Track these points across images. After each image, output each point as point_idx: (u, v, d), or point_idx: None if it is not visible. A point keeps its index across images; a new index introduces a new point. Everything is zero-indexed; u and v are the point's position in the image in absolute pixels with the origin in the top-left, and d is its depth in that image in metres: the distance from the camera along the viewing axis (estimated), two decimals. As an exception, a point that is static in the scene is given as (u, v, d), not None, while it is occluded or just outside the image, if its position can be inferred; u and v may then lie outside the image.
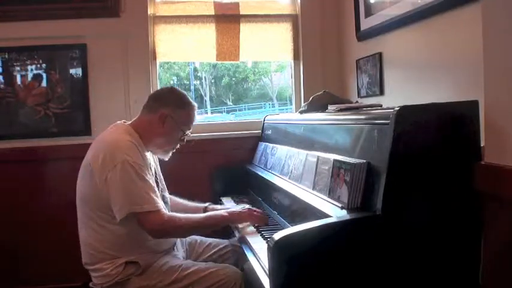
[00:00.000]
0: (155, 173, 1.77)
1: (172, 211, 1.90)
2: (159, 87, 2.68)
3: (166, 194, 1.85)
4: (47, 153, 2.43)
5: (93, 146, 1.63)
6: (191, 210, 1.95)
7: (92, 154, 1.58)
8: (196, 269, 1.59)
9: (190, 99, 1.76)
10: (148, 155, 1.72)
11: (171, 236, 1.69)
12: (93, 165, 1.54)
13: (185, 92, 1.77)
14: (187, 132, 1.76)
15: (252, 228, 1.68)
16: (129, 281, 1.56)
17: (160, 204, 1.55)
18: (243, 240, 1.61)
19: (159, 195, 1.59)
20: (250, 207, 1.80)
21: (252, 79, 4.21)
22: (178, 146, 1.78)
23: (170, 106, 1.69)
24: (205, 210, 1.94)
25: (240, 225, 1.72)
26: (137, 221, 1.52)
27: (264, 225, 1.68)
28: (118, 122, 1.73)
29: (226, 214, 1.70)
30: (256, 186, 2.21)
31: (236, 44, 2.68)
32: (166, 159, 1.79)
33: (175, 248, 1.77)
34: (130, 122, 1.73)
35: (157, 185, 1.75)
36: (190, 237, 1.89)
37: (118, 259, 1.55)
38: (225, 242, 1.90)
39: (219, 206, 2.00)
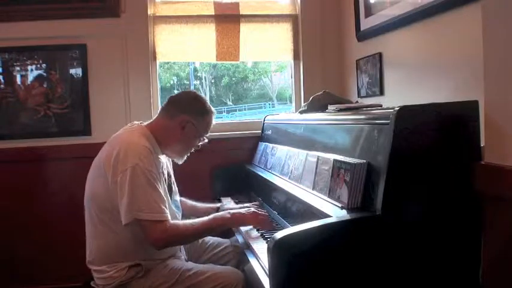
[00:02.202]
0: (168, 176, 1.76)
1: (188, 216, 1.89)
2: (159, 87, 2.69)
3: (177, 198, 1.83)
4: (47, 153, 2.43)
5: (108, 145, 1.59)
6: (202, 212, 1.92)
7: (106, 154, 1.55)
8: (197, 271, 1.58)
9: (210, 106, 1.74)
10: (162, 157, 1.70)
11: (174, 245, 1.65)
12: (106, 166, 1.52)
13: (205, 98, 1.75)
14: (205, 138, 1.74)
15: (256, 233, 1.65)
16: (131, 283, 1.55)
17: (168, 214, 1.52)
18: (244, 241, 1.61)
19: (167, 205, 1.55)
20: (256, 209, 1.73)
21: (252, 79, 4.21)
22: (193, 150, 1.76)
23: (192, 113, 1.67)
24: (218, 211, 1.92)
25: (243, 229, 1.70)
26: (141, 229, 1.49)
27: (269, 231, 1.63)
28: (134, 122, 1.70)
29: (229, 216, 1.64)
30: (256, 186, 2.21)
31: (236, 44, 2.68)
32: (181, 162, 1.78)
33: (179, 248, 1.76)
34: (147, 124, 1.69)
35: (171, 189, 1.75)
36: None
37: (121, 263, 1.54)
38: (226, 242, 1.89)
39: (231, 205, 1.99)
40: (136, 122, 1.70)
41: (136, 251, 1.56)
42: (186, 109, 1.67)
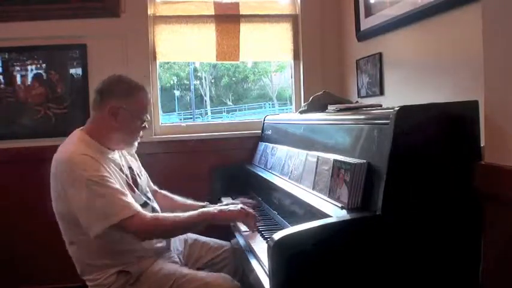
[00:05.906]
0: (130, 170, 1.70)
1: (168, 210, 1.85)
2: (159, 87, 2.69)
3: (150, 195, 1.78)
4: (47, 153, 2.41)
5: (53, 160, 1.53)
6: (189, 209, 1.91)
7: (52, 171, 1.51)
8: (191, 278, 1.55)
9: (137, 83, 1.62)
10: (115, 155, 1.64)
11: (158, 237, 1.61)
12: (56, 182, 1.49)
13: (129, 77, 1.63)
14: (146, 117, 1.63)
15: (256, 233, 1.64)
16: None
17: (136, 205, 1.48)
18: (244, 241, 1.61)
19: (130, 196, 1.50)
20: (243, 206, 1.71)
21: (252, 79, 4.22)
22: (141, 134, 1.66)
23: (118, 97, 1.55)
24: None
25: (243, 228, 1.69)
26: (120, 231, 1.46)
27: (256, 228, 1.63)
28: (77, 129, 1.63)
29: (216, 212, 1.61)
30: (256, 186, 2.21)
31: (236, 44, 2.68)
32: (134, 150, 1.72)
33: (172, 248, 1.74)
34: (84, 127, 1.62)
35: (136, 183, 1.69)
36: (191, 237, 1.88)
37: (109, 269, 1.53)
38: (227, 244, 1.88)
39: (217, 206, 1.97)
40: (78, 129, 1.63)
41: (118, 253, 1.53)
42: (111, 95, 1.56)
